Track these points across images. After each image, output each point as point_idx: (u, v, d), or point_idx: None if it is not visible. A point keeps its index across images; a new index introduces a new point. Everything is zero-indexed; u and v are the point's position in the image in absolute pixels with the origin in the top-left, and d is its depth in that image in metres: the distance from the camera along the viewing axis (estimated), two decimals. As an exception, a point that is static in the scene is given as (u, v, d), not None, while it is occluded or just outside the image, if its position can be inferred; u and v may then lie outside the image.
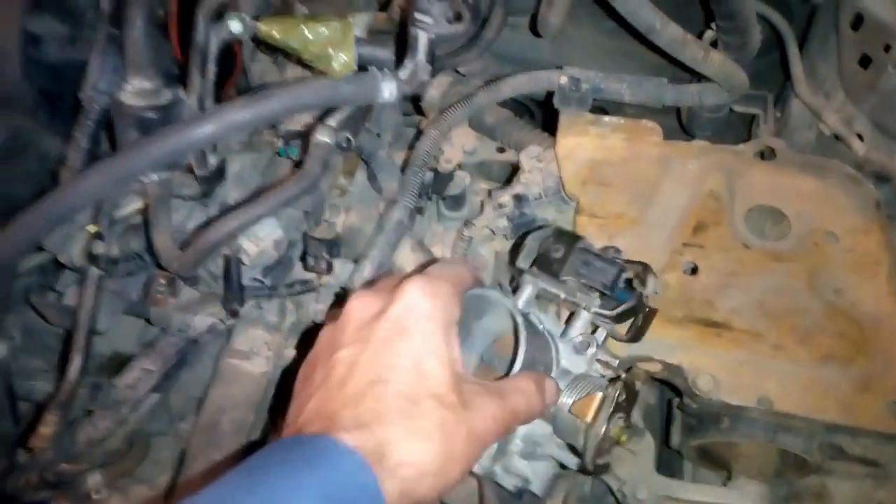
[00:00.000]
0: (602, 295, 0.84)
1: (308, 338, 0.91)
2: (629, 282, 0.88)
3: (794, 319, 1.00)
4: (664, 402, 1.15)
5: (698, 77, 1.12)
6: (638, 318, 0.88)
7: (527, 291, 0.79)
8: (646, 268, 0.89)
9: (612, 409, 0.71)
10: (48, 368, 1.10)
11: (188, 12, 0.90)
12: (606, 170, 1.13)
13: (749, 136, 1.34)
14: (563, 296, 0.82)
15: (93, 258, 0.88)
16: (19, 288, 1.00)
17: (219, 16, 0.81)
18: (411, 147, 1.06)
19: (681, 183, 1.11)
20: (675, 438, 1.04)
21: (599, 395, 0.71)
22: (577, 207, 1.09)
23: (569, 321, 0.81)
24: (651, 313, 0.89)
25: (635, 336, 0.89)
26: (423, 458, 0.51)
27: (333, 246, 1.03)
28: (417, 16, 0.87)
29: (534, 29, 1.21)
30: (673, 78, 1.26)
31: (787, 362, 0.98)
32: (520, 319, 0.67)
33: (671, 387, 1.03)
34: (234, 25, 0.79)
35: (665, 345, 0.98)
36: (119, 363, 1.06)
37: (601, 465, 0.73)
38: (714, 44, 1.14)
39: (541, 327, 0.76)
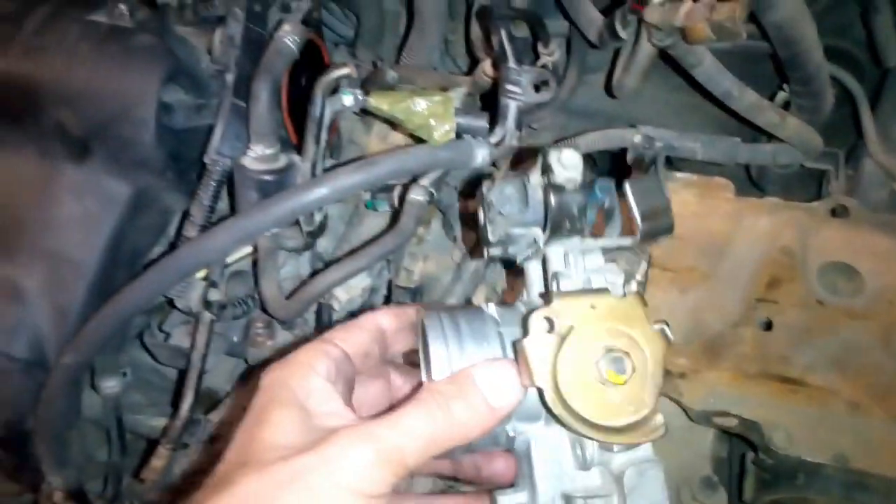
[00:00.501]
0: None
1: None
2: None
3: (870, 377, 1.01)
4: (737, 457, 1.17)
5: (755, 127, 1.15)
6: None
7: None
8: None
9: None
10: (149, 403, 1.19)
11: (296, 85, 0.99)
12: (678, 223, 1.17)
13: (819, 192, 1.36)
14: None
15: (207, 304, 0.96)
16: (133, 328, 1.09)
17: (333, 90, 0.89)
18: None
19: (753, 238, 1.14)
20: (749, 493, 1.06)
21: None
22: (649, 260, 1.12)
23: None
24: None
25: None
26: None
27: (417, 293, 1.10)
28: (508, 87, 0.94)
29: (608, 89, 1.26)
30: (739, 131, 1.30)
31: (862, 420, 0.99)
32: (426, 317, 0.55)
33: (746, 441, 1.05)
34: (348, 99, 0.87)
35: (741, 400, 1.01)
36: (213, 400, 1.14)
37: None
38: (787, 105, 1.18)
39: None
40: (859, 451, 0.97)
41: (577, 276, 0.54)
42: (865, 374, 1.01)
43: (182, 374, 1.00)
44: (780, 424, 1.00)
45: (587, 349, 0.49)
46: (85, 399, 1.06)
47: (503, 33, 0.96)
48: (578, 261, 0.55)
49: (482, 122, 0.93)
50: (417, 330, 0.57)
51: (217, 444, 1.01)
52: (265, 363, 0.68)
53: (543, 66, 1.08)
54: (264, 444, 0.49)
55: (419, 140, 0.97)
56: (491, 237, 0.56)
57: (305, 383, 0.52)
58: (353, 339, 0.57)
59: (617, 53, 1.24)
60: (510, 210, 0.55)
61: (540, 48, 1.14)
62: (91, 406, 1.09)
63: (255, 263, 1.01)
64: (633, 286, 0.54)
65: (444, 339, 0.52)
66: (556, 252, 0.55)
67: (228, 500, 0.46)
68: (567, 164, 0.54)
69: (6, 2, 0.97)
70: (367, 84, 0.98)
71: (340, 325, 0.59)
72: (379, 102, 0.88)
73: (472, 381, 0.51)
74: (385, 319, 0.60)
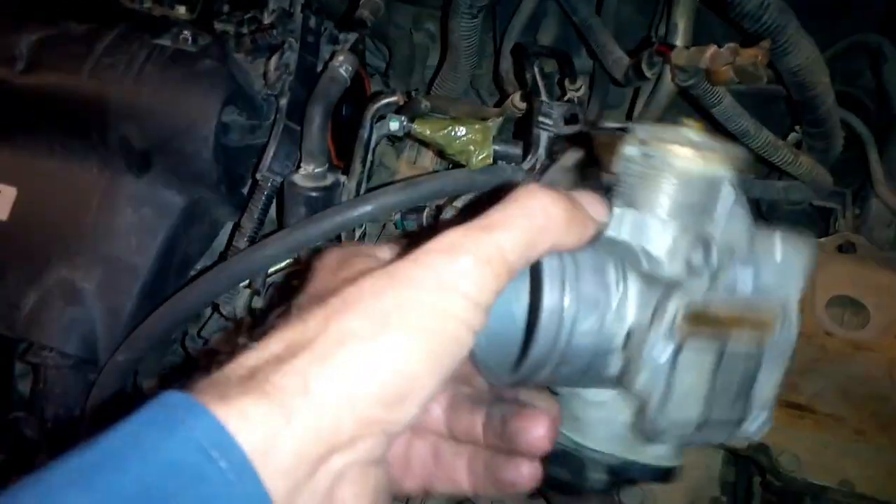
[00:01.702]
0: None
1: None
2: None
3: (876, 406, 1.06)
4: (745, 479, 1.21)
5: (768, 164, 1.21)
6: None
7: None
8: None
9: None
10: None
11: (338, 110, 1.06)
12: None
13: (827, 229, 1.42)
14: None
15: (251, 311, 1.02)
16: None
17: (380, 117, 0.96)
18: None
19: (764, 271, 1.19)
20: (756, 515, 1.10)
21: None
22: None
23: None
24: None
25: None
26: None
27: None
28: (540, 118, 1.01)
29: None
30: (749, 169, 1.37)
31: (868, 447, 1.03)
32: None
33: (755, 464, 1.10)
34: (394, 125, 0.94)
35: (751, 422, 1.05)
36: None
37: None
38: (798, 144, 1.24)
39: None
40: (864, 476, 1.02)
41: None
42: (872, 404, 1.05)
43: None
44: (789, 448, 1.05)
45: None
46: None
47: (536, 70, 1.04)
48: None
49: (517, 150, 1.00)
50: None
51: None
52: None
53: (570, 101, 1.16)
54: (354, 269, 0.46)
55: (456, 164, 1.04)
56: None
57: None
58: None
59: (636, 91, 1.31)
60: None
61: (567, 84, 1.22)
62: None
63: (293, 275, 1.07)
64: None
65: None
66: None
67: (334, 303, 0.40)
68: None
69: (78, 25, 1.05)
70: (403, 112, 1.06)
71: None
72: (422, 128, 0.95)
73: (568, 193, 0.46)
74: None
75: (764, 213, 1.45)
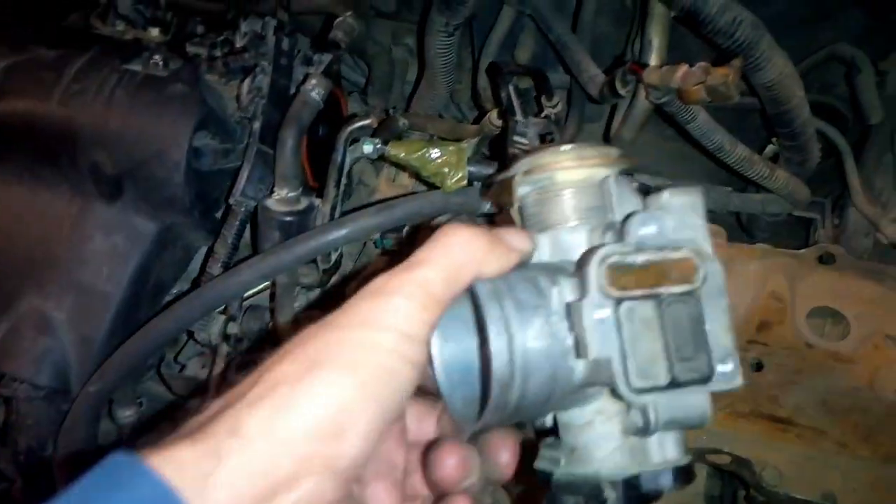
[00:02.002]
0: None
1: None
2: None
3: (857, 418, 1.06)
4: (729, 494, 1.21)
5: (745, 179, 1.22)
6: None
7: None
8: None
9: None
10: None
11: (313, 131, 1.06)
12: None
13: (807, 238, 1.43)
14: None
15: (226, 337, 1.01)
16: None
17: (354, 139, 0.96)
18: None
19: (744, 283, 1.19)
20: (741, 529, 1.10)
21: None
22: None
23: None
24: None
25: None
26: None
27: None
28: (515, 139, 1.01)
29: (606, 140, 1.33)
30: (729, 178, 1.37)
31: (850, 459, 1.03)
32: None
33: (738, 478, 1.09)
34: (367, 148, 0.94)
35: (733, 438, 1.05)
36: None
37: None
38: (775, 157, 1.25)
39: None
40: (847, 489, 1.02)
41: None
42: (853, 415, 1.05)
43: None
44: (771, 462, 1.05)
45: None
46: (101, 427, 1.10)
47: (511, 89, 1.03)
48: None
49: (491, 171, 0.99)
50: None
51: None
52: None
53: (546, 117, 1.16)
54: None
55: (431, 185, 1.03)
56: None
57: None
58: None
59: (614, 107, 1.31)
60: None
61: (544, 101, 1.22)
62: (107, 434, 1.12)
63: (271, 297, 1.06)
64: None
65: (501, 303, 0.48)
66: None
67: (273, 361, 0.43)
68: None
69: (48, 50, 1.04)
70: (380, 130, 1.05)
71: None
72: (397, 151, 0.94)
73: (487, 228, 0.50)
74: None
75: (744, 224, 1.45)
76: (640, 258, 0.48)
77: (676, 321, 0.48)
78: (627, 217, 0.49)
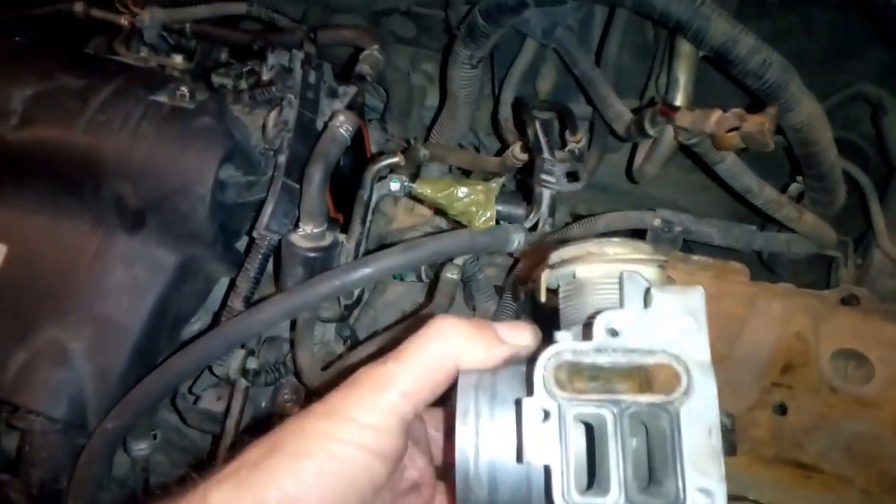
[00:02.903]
0: None
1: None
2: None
3: (882, 466, 1.04)
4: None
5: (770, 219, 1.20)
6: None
7: None
8: None
9: None
10: (171, 464, 1.21)
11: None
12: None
13: (828, 276, 1.41)
14: None
15: (244, 371, 0.99)
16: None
17: (380, 177, 0.95)
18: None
19: (767, 322, 1.18)
20: (764, 576, 1.07)
21: None
22: (663, 340, 1.16)
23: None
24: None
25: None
26: None
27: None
28: (543, 177, 1.00)
29: (628, 174, 1.33)
30: (750, 212, 1.36)
31: (875, 510, 1.01)
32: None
33: (762, 525, 1.07)
34: (394, 186, 0.93)
35: (758, 484, 1.03)
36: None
37: None
38: (800, 196, 1.24)
39: None
40: (872, 540, 1.00)
41: None
42: (878, 464, 1.04)
43: (216, 440, 1.02)
44: (795, 511, 1.03)
45: None
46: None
47: (538, 126, 1.03)
48: None
49: (519, 210, 0.98)
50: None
51: None
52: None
53: (571, 152, 1.15)
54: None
55: (457, 224, 1.02)
56: None
57: None
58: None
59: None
60: None
61: (568, 136, 1.21)
62: (119, 465, 1.11)
63: (291, 326, 1.04)
64: None
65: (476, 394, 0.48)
66: None
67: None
68: None
69: (73, 78, 1.03)
70: (404, 166, 1.04)
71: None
72: (423, 189, 0.93)
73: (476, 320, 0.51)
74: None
75: (765, 261, 1.44)
76: (599, 359, 0.43)
77: (643, 436, 0.43)
78: (595, 314, 0.45)
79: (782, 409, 1.11)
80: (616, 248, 0.50)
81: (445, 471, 0.57)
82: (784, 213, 1.09)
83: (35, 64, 1.06)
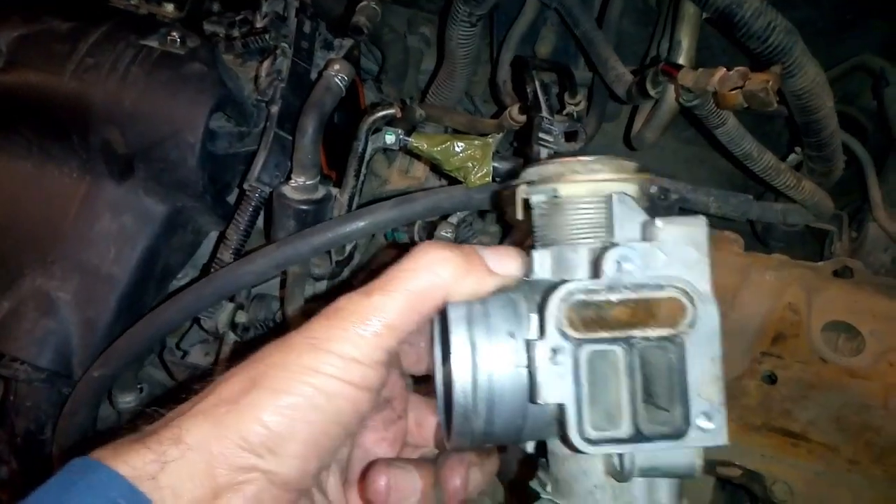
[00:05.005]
0: None
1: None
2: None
3: (870, 436, 1.04)
4: (735, 505, 1.19)
5: (767, 186, 1.20)
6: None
7: None
8: None
9: None
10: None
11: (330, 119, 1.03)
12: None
13: (822, 250, 1.41)
14: None
15: (233, 325, 0.98)
16: (154, 343, 1.10)
17: (376, 129, 0.93)
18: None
19: (760, 293, 1.17)
20: (748, 542, 1.08)
21: None
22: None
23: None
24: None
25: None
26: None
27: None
28: (541, 135, 0.98)
29: (626, 140, 1.31)
30: (745, 183, 1.35)
31: (862, 478, 1.02)
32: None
33: (747, 491, 1.08)
34: (389, 138, 0.91)
35: (745, 451, 1.04)
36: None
37: None
38: (799, 165, 1.23)
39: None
40: (857, 507, 1.00)
41: None
42: (866, 433, 1.04)
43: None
44: (781, 477, 1.03)
45: None
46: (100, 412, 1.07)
47: (538, 84, 1.01)
48: None
49: (515, 167, 0.97)
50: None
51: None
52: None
53: (569, 115, 1.13)
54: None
55: (452, 180, 1.00)
56: None
57: None
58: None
59: (635, 107, 1.29)
60: None
61: (567, 98, 1.19)
62: (105, 420, 1.10)
63: (281, 285, 1.03)
64: None
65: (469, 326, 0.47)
66: None
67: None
68: None
69: (61, 21, 1.00)
70: (399, 123, 1.02)
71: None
72: (419, 143, 0.92)
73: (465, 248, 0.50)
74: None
75: (759, 233, 1.43)
76: (611, 297, 0.44)
77: (649, 369, 0.44)
78: (604, 250, 0.45)
79: (772, 379, 1.11)
80: (601, 166, 0.49)
81: (418, 382, 0.57)
82: (783, 180, 1.08)
83: (22, 6, 1.02)
